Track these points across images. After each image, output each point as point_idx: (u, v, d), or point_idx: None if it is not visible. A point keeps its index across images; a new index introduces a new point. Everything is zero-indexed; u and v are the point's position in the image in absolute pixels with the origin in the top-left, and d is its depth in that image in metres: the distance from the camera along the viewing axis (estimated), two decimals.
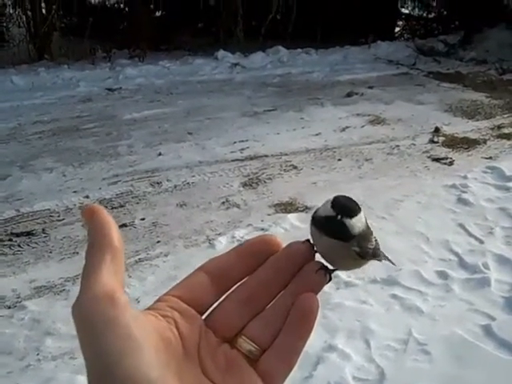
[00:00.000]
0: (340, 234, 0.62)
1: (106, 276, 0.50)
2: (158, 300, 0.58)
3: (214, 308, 0.60)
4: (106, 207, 4.48)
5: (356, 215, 0.62)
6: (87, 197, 4.72)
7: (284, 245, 0.62)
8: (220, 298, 0.60)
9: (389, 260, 0.79)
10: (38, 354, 2.88)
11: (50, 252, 3.90)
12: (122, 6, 13.35)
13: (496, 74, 9.80)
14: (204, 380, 0.54)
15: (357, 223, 0.62)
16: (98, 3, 13.23)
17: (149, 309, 0.56)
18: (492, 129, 6.55)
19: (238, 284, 0.61)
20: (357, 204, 0.63)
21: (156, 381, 0.47)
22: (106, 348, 0.46)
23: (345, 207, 0.62)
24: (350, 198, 0.64)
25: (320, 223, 0.63)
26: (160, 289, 3.30)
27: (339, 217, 0.61)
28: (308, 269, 0.60)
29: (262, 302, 0.60)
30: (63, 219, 4.36)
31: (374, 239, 0.67)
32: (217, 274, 0.60)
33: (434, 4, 14.22)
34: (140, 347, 0.47)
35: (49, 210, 4.50)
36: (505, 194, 4.62)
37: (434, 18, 14.12)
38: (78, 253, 3.86)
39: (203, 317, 0.59)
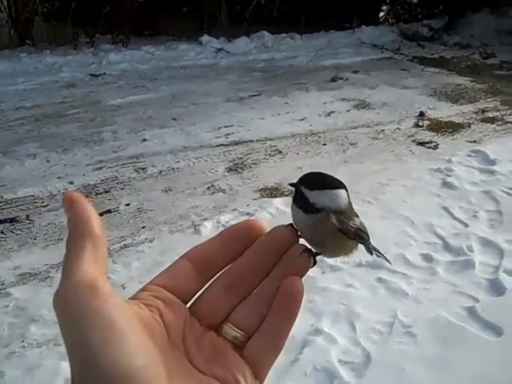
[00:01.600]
0: (301, 203, 0.62)
1: (88, 264, 0.49)
2: (142, 289, 0.58)
3: (199, 296, 0.60)
4: (91, 193, 4.48)
5: (319, 189, 0.62)
6: (71, 183, 4.68)
7: (268, 229, 0.62)
8: (204, 285, 0.60)
9: (384, 257, 0.80)
10: (22, 341, 2.86)
11: (35, 239, 3.87)
12: None
13: (480, 58, 9.85)
14: (190, 368, 0.54)
15: (320, 196, 0.62)
16: None
17: (132, 298, 0.56)
18: (476, 113, 6.57)
19: (223, 270, 0.60)
20: (331, 182, 0.64)
21: (140, 370, 0.46)
22: (89, 337, 0.46)
23: (307, 179, 0.63)
24: (323, 175, 0.65)
25: (293, 196, 0.64)
26: (145, 275, 3.30)
27: (299, 187, 0.62)
28: (292, 252, 0.60)
29: (247, 287, 0.60)
30: (47, 205, 4.33)
31: (358, 221, 0.67)
32: (200, 262, 0.59)
33: None
34: (123, 336, 0.47)
35: (33, 196, 4.47)
36: (489, 177, 4.64)
37: (419, 3, 14.11)
38: (62, 239, 3.83)
39: (188, 305, 0.59)
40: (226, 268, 0.60)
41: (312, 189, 0.62)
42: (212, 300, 0.59)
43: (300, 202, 0.63)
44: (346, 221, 0.64)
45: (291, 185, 0.66)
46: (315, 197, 0.62)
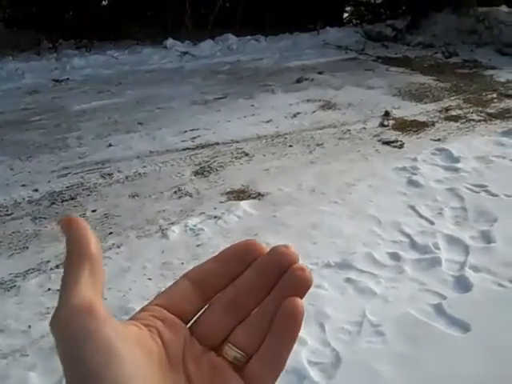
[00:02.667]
0: None
1: (85, 288, 0.49)
2: (142, 310, 0.57)
3: (199, 316, 0.59)
4: (56, 200, 4.42)
5: None
6: (36, 190, 4.62)
7: (267, 249, 0.61)
8: (205, 305, 0.59)
9: None
10: None
11: None
12: None
13: (443, 57, 9.98)
14: None
15: None
16: None
17: (131, 319, 0.55)
18: (440, 111, 6.66)
19: (223, 291, 0.60)
20: None
21: None
22: (86, 359, 0.46)
23: None
24: None
25: None
26: (113, 281, 3.27)
27: None
28: (292, 272, 0.59)
29: (247, 307, 0.58)
30: (11, 214, 4.26)
31: None
32: (200, 282, 0.59)
33: None
34: (121, 359, 0.46)
35: None
36: (453, 174, 4.70)
37: (382, 4, 14.26)
38: (27, 247, 3.78)
39: (188, 325, 0.58)
40: (225, 288, 0.60)
41: None
42: (212, 320, 0.58)
43: None
44: None
45: None
46: None
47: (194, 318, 0.58)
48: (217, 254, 0.60)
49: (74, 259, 0.51)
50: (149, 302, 0.58)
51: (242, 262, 0.60)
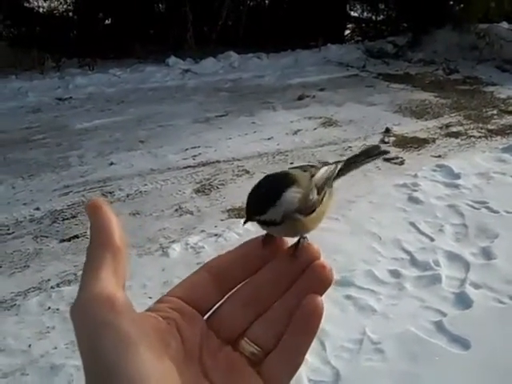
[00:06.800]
0: (267, 225, 0.61)
1: (106, 276, 0.49)
2: (160, 301, 0.58)
3: (217, 308, 0.59)
4: (57, 218, 4.42)
5: (271, 206, 0.61)
6: (38, 209, 4.64)
7: (288, 244, 0.62)
8: (222, 297, 0.60)
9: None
10: None
11: (0, 266, 3.81)
12: (70, 14, 13.13)
13: (443, 74, 10.01)
14: (205, 382, 0.54)
15: (277, 210, 0.61)
16: (45, 12, 12.99)
17: (149, 310, 0.56)
18: (440, 128, 6.67)
19: (242, 284, 0.60)
20: (276, 190, 0.62)
21: None
22: (105, 352, 0.46)
23: (253, 207, 0.62)
24: (264, 187, 0.63)
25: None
26: None
27: (254, 220, 0.61)
28: (313, 269, 0.59)
29: (266, 303, 0.59)
30: (13, 232, 4.28)
31: (313, 192, 0.66)
32: (219, 273, 0.59)
33: (383, 6, 14.39)
34: (139, 351, 0.47)
35: None
36: (453, 191, 4.70)
37: (383, 21, 14.30)
38: (28, 266, 3.79)
39: (205, 317, 0.58)
40: (244, 281, 0.60)
41: (265, 211, 0.61)
42: (230, 314, 0.59)
43: (266, 224, 0.62)
44: (308, 203, 0.64)
45: (245, 223, 0.63)
46: (273, 214, 0.61)
47: (212, 311, 0.59)
48: (237, 246, 0.61)
49: (97, 246, 0.51)
50: (167, 292, 0.58)
51: (262, 256, 0.60)
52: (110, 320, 0.47)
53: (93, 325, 0.47)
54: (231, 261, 0.61)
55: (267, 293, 0.59)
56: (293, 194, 0.62)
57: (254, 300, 0.59)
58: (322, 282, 0.59)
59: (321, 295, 0.58)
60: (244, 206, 0.61)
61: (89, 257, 0.51)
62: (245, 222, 0.63)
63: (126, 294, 0.50)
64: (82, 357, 0.48)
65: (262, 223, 0.62)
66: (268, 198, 0.62)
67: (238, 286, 0.60)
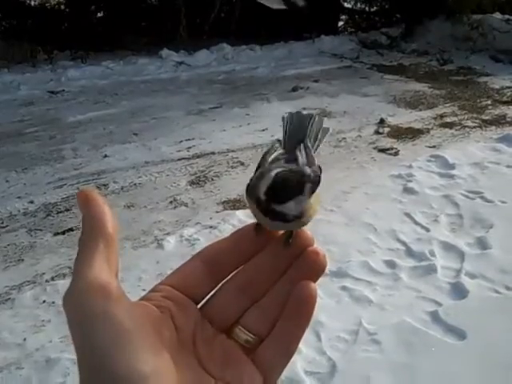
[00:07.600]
0: (276, 217, 0.58)
1: (99, 266, 0.49)
2: (153, 290, 0.57)
3: (210, 297, 0.59)
4: (52, 212, 4.40)
5: (286, 201, 0.57)
6: (32, 202, 4.61)
7: (279, 231, 0.61)
8: (216, 286, 0.59)
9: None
10: None
11: None
12: (62, 7, 13.05)
13: (437, 64, 10.02)
14: (200, 372, 0.53)
15: (291, 208, 0.58)
16: (37, 5, 12.90)
17: (143, 299, 0.55)
18: (435, 118, 6.68)
19: (235, 272, 0.59)
20: (288, 183, 0.58)
21: (150, 375, 0.46)
22: (98, 342, 0.45)
23: (273, 194, 0.57)
24: (279, 176, 0.59)
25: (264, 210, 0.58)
26: None
27: (272, 206, 0.57)
28: (306, 256, 0.58)
29: (260, 290, 0.58)
30: (7, 226, 4.26)
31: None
32: (212, 262, 0.58)
33: None
34: (133, 341, 0.46)
35: None
36: (448, 181, 4.71)
37: (376, 12, 14.29)
38: (23, 260, 3.77)
39: (199, 306, 0.58)
40: (238, 269, 0.59)
41: (281, 202, 0.56)
42: (224, 302, 0.58)
43: (276, 215, 0.58)
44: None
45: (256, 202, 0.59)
46: (291, 209, 0.58)
47: (206, 299, 0.58)
48: (229, 234, 0.60)
49: (90, 236, 0.50)
50: (160, 281, 0.58)
51: (255, 243, 0.59)
52: (103, 310, 0.46)
53: (86, 315, 0.46)
54: (224, 249, 0.59)
55: (261, 280, 0.58)
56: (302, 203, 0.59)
57: (248, 287, 0.58)
58: (315, 268, 0.58)
59: (314, 281, 0.57)
60: (239, 197, 0.59)
61: (81, 245, 0.50)
62: (256, 201, 0.59)
63: (119, 282, 0.49)
64: (75, 347, 0.47)
65: (273, 213, 0.58)
66: (294, 191, 0.58)
67: (232, 274, 0.59)
